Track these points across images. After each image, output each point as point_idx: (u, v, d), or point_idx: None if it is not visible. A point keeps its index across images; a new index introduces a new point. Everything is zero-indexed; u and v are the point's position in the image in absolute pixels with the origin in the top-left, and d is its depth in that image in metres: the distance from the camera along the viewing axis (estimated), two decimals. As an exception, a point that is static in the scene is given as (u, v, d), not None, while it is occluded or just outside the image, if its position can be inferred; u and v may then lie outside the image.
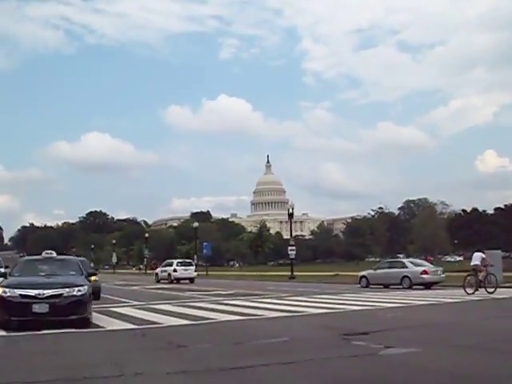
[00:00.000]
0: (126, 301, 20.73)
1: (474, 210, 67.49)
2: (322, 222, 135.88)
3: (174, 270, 41.57)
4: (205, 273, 63.30)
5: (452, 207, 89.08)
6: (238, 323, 12.81)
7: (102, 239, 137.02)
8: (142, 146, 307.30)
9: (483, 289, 20.75)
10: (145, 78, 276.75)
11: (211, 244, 69.71)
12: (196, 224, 69.32)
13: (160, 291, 29.26)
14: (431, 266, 29.66)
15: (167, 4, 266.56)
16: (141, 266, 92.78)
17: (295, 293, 24.33)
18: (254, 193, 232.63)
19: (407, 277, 26.66)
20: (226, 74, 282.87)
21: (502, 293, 20.64)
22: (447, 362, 7.43)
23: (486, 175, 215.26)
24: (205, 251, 66.29)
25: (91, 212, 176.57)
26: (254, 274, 59.19)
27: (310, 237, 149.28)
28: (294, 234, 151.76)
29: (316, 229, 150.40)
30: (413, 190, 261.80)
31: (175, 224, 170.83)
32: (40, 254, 14.78)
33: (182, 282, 40.14)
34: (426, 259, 52.31)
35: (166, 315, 14.53)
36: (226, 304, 18.06)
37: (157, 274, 44.72)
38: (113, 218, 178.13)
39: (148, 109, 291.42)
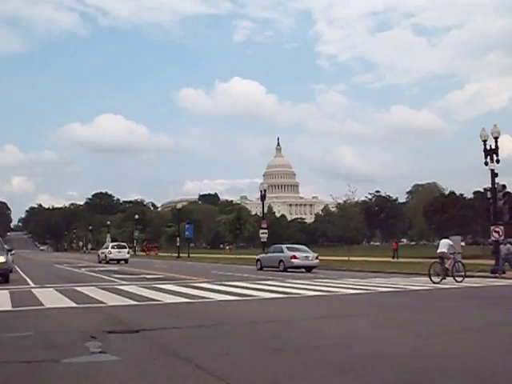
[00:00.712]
0: (29, 282, 19.72)
1: (452, 193, 64.56)
2: (327, 205, 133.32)
3: (109, 252, 45.25)
4: (186, 255, 62.71)
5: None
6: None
7: (105, 220, 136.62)
8: (156, 128, 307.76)
9: (451, 277, 19.81)
10: (158, 60, 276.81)
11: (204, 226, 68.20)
12: (179, 206, 68.07)
13: (89, 273, 28.45)
14: (304, 251, 30.72)
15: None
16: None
17: (214, 278, 22.53)
18: (264, 176, 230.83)
19: (282, 261, 29.52)
20: (239, 57, 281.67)
21: (471, 282, 19.91)
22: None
23: (502, 160, 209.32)
24: (187, 233, 65.63)
25: (97, 193, 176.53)
26: (232, 257, 58.23)
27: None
28: (301, 216, 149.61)
29: (321, 212, 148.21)
30: (426, 174, 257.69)
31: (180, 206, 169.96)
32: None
33: (120, 263, 43.28)
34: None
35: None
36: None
37: (98, 255, 48.70)
38: (118, 200, 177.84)
39: (161, 91, 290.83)
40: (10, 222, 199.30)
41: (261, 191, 48.25)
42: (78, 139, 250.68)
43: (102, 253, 47.06)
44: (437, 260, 20.52)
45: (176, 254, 62.52)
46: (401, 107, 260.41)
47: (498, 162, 27.15)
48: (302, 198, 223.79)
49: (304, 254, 29.94)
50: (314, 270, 29.30)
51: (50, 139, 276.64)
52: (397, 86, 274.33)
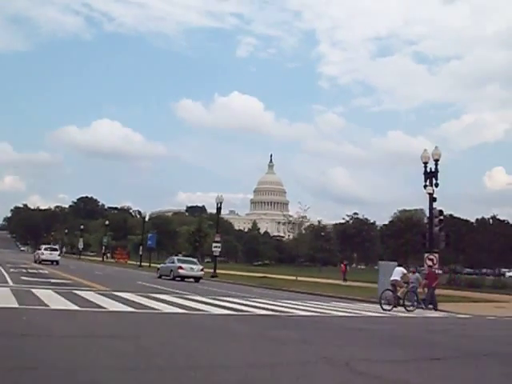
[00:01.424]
0: None
1: (408, 218, 62.90)
2: (311, 224, 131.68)
3: (42, 254, 49.69)
4: (148, 264, 61.07)
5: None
6: None
7: (87, 225, 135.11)
8: (152, 136, 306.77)
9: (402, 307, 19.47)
10: (160, 69, 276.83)
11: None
12: (145, 214, 66.41)
13: (6, 272, 27.25)
14: (191, 264, 34.91)
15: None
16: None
17: (111, 287, 20.93)
18: (254, 191, 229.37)
19: (172, 270, 33.92)
20: (241, 72, 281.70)
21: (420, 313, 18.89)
22: None
23: (494, 191, 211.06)
24: (149, 242, 63.96)
25: (82, 198, 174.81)
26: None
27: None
28: (291, 235, 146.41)
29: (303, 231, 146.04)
30: (418, 200, 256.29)
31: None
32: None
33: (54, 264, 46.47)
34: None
35: None
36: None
37: (34, 255, 53.24)
38: (103, 205, 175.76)
39: (160, 100, 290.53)
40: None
41: (217, 203, 46.68)
42: (74, 142, 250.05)
43: (37, 254, 51.89)
44: (389, 287, 19.95)
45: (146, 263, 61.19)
46: (397, 133, 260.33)
47: (436, 185, 25.55)
48: (290, 215, 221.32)
49: (190, 266, 34.28)
50: (237, 292, 28.18)
51: (45, 140, 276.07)
52: (395, 111, 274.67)
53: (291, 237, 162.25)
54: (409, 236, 53.92)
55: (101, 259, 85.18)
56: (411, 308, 19.49)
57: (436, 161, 25.65)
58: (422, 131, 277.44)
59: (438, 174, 25.61)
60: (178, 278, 32.75)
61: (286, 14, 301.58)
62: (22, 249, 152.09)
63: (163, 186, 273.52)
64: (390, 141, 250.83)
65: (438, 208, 26.06)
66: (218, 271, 49.76)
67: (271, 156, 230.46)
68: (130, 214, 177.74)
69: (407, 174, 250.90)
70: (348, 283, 41.63)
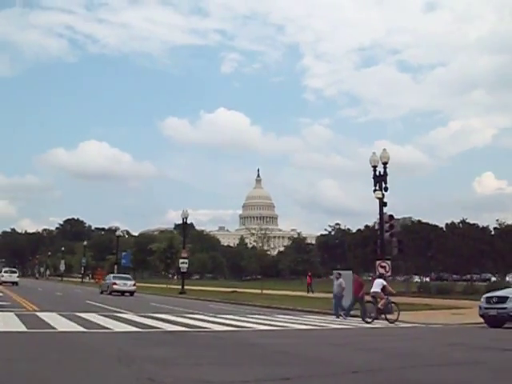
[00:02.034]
0: None
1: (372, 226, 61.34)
2: (295, 238, 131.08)
3: (2, 276, 53.25)
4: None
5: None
6: None
7: (74, 247, 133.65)
8: (140, 156, 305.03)
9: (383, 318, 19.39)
10: (145, 88, 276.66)
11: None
12: (118, 233, 65.39)
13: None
14: (125, 280, 39.39)
15: (171, 16, 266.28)
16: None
17: (46, 307, 20.15)
18: (243, 207, 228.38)
19: (108, 286, 38.59)
20: (226, 88, 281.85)
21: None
22: None
23: (484, 197, 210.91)
24: (124, 261, 62.90)
25: (68, 219, 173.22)
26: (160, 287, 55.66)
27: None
28: (280, 249, 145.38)
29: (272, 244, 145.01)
30: (409, 209, 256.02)
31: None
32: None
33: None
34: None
35: None
36: None
37: None
38: (90, 227, 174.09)
39: (147, 119, 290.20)
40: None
41: (182, 218, 45.76)
42: (62, 165, 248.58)
43: (2, 276, 54.44)
44: (369, 299, 19.84)
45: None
46: (384, 142, 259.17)
47: (386, 189, 24.64)
48: (280, 230, 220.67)
49: (123, 282, 38.74)
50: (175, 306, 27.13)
51: (33, 164, 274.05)
52: (381, 121, 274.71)
53: (275, 251, 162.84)
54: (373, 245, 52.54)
55: (92, 281, 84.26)
56: (393, 318, 19.26)
57: (385, 164, 24.79)
58: (410, 140, 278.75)
59: (387, 178, 24.68)
60: (114, 293, 37.13)
61: (269, 28, 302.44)
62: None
63: (153, 205, 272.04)
64: (377, 150, 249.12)
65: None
66: (191, 287, 48.99)
67: (258, 171, 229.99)
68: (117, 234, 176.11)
69: (398, 183, 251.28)
70: (315, 294, 40.60)
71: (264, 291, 42.28)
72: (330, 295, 35.15)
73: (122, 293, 37.37)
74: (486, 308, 17.14)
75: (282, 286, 63.18)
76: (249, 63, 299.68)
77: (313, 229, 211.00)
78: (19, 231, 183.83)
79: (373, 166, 25.04)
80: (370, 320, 18.78)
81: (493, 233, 55.87)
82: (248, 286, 58.84)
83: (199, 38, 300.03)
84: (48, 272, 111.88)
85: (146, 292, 47.15)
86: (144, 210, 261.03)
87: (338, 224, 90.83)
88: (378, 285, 20.03)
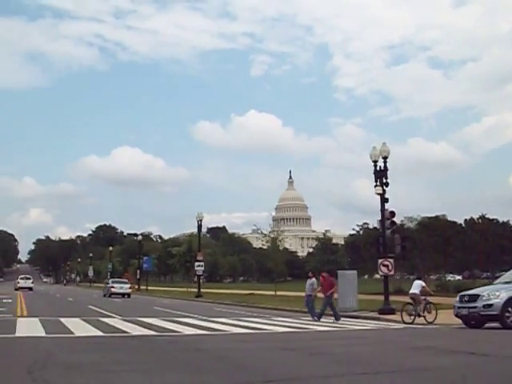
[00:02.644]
0: None
1: (392, 222, 59.03)
2: (321, 238, 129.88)
3: (18, 282, 57.44)
4: (145, 287, 60.45)
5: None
6: None
7: (104, 253, 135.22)
8: (173, 161, 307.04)
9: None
10: (176, 93, 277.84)
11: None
12: (139, 238, 65.51)
13: None
14: (121, 283, 46.28)
15: (199, 21, 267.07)
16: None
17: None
18: (276, 208, 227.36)
19: (108, 290, 44.64)
20: (256, 91, 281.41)
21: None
22: None
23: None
24: (145, 265, 63.07)
25: (100, 226, 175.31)
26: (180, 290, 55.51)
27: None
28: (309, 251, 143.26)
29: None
30: (444, 207, 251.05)
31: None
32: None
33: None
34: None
35: None
36: None
37: (14, 284, 59.80)
38: (122, 232, 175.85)
39: (178, 124, 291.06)
40: (17, 253, 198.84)
41: (197, 221, 45.35)
42: (95, 172, 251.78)
43: (15, 282, 58.76)
44: (409, 301, 19.60)
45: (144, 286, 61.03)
46: (418, 139, 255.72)
47: (386, 185, 23.71)
48: (313, 231, 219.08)
49: (120, 285, 45.00)
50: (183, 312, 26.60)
51: (66, 172, 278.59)
52: (414, 118, 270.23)
53: (306, 252, 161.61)
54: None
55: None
56: (431, 319, 18.96)
57: (385, 158, 23.85)
58: (444, 137, 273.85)
59: (388, 173, 23.75)
60: (113, 295, 42.36)
61: (298, 29, 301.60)
62: (45, 280, 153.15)
63: (187, 210, 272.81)
64: (412, 148, 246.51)
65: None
66: (210, 290, 48.72)
67: (290, 172, 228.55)
68: (151, 239, 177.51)
69: (432, 181, 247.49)
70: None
71: (280, 293, 41.51)
72: (375, 297, 34.48)
73: (122, 295, 43.11)
74: (459, 307, 16.25)
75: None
76: (278, 65, 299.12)
77: (348, 230, 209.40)
78: (53, 239, 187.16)
79: (373, 161, 24.11)
80: (410, 321, 18.56)
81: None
82: (270, 289, 58.09)
83: (228, 42, 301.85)
84: (78, 278, 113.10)
85: (164, 296, 47.13)
86: (178, 214, 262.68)
87: (366, 223, 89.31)
88: (417, 286, 19.79)
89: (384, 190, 23.76)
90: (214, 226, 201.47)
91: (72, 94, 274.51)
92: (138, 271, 61.48)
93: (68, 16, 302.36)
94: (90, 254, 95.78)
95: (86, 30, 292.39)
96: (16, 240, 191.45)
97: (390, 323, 19.15)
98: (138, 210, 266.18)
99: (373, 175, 24.15)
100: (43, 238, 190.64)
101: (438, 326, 17.66)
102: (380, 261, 23.40)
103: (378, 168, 23.95)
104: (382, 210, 23.66)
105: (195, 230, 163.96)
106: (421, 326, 17.43)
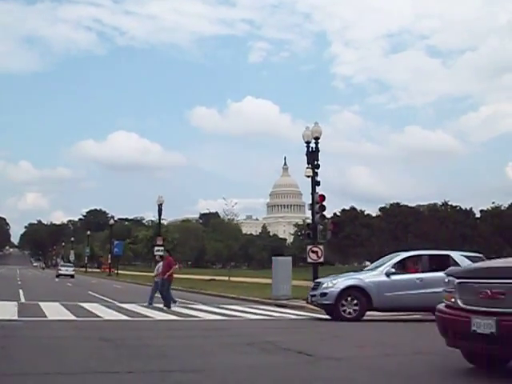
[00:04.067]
0: None
1: (352, 208, 57.83)
2: (300, 224, 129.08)
3: None
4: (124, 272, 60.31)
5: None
6: None
7: (94, 237, 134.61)
8: (170, 146, 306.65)
9: None
10: (173, 79, 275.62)
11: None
12: (111, 222, 64.49)
13: None
14: (68, 267, 57.92)
15: (198, 7, 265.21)
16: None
17: None
18: (270, 195, 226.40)
19: (58, 271, 56.48)
20: (254, 77, 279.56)
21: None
22: None
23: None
24: (116, 250, 61.97)
25: (91, 210, 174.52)
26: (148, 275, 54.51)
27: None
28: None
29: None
30: (441, 195, 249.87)
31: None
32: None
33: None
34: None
35: None
36: None
37: None
38: (113, 217, 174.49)
39: (175, 109, 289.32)
40: (9, 237, 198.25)
41: (158, 205, 44.12)
42: (92, 156, 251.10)
43: (59, 269, 60.39)
44: None
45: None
46: (415, 128, 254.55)
47: (317, 167, 22.40)
48: (307, 218, 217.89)
49: (66, 268, 56.28)
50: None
51: (63, 156, 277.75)
52: (411, 107, 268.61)
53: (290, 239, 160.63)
54: (349, 229, 49.94)
55: (97, 270, 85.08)
56: None
57: (316, 139, 22.50)
58: (441, 125, 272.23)
59: (319, 154, 22.44)
60: (61, 276, 51.83)
61: (297, 16, 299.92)
62: (35, 264, 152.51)
63: (183, 195, 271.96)
64: (409, 136, 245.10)
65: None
66: (177, 276, 47.66)
67: (285, 159, 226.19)
68: (144, 224, 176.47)
69: (429, 170, 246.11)
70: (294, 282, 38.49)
71: (234, 279, 40.51)
72: (298, 282, 33.38)
73: (69, 276, 52.08)
74: (310, 295, 15.32)
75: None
76: (277, 52, 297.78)
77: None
78: (45, 223, 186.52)
79: (306, 142, 22.78)
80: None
81: (478, 215, 52.27)
82: (251, 275, 57.10)
83: (227, 28, 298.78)
84: (61, 262, 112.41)
85: (127, 280, 46.71)
86: (174, 200, 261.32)
87: (353, 208, 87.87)
88: None
89: (316, 172, 22.43)
90: (207, 211, 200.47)
91: (69, 78, 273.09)
92: (110, 256, 60.46)
93: (66, 0, 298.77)
94: (72, 239, 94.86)
95: (84, 15, 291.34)
96: (8, 224, 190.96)
97: (311, 313, 17.64)
98: (135, 194, 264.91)
99: (305, 156, 22.79)
100: (35, 222, 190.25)
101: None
102: (309, 247, 22.22)
103: (310, 149, 22.61)
104: (313, 193, 22.36)
105: (191, 216, 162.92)
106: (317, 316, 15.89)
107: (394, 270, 14.67)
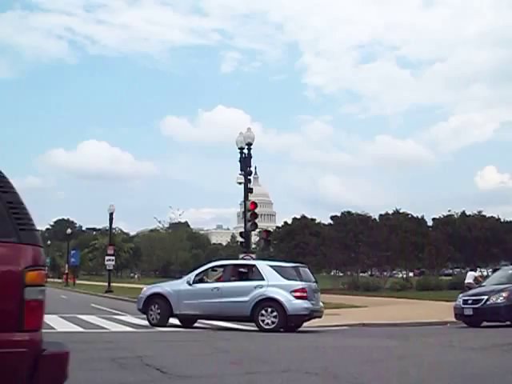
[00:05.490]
0: None
1: (303, 217, 57.76)
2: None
3: None
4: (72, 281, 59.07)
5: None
6: None
7: (60, 247, 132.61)
8: (141, 155, 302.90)
9: None
10: (145, 88, 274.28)
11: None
12: (69, 231, 63.42)
13: None
14: None
15: (170, 16, 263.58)
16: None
17: None
18: (241, 204, 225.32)
19: None
20: (226, 87, 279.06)
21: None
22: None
23: (486, 191, 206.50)
24: (73, 260, 60.82)
25: (59, 220, 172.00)
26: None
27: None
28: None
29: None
30: (411, 204, 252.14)
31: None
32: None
33: None
34: None
35: None
36: None
37: None
38: (81, 227, 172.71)
39: (146, 119, 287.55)
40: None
41: (109, 213, 43.30)
42: (62, 165, 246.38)
43: None
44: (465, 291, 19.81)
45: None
46: (386, 137, 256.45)
47: (249, 173, 21.88)
48: (278, 227, 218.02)
49: None
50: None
51: (33, 165, 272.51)
52: (382, 117, 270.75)
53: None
54: (299, 238, 49.72)
55: (59, 280, 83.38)
56: None
57: (248, 145, 22.02)
58: (411, 135, 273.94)
59: (252, 161, 21.95)
60: None
61: (268, 27, 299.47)
62: None
63: (155, 205, 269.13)
64: (379, 146, 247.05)
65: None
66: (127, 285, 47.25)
67: (255, 168, 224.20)
68: (113, 233, 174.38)
69: (400, 179, 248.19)
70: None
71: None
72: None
73: None
74: None
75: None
76: (249, 62, 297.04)
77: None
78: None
79: (239, 148, 22.28)
80: None
81: (430, 224, 52.44)
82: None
83: (199, 38, 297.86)
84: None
85: (79, 290, 46.08)
86: (145, 209, 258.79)
87: (304, 216, 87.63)
88: (471, 276, 23.72)
89: (249, 180, 21.93)
90: (176, 221, 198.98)
91: (40, 86, 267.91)
92: (66, 265, 59.34)
93: (38, 8, 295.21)
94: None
95: (55, 23, 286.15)
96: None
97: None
98: (105, 204, 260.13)
99: (238, 163, 22.27)
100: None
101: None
102: (241, 256, 21.63)
103: (243, 155, 22.11)
104: (245, 201, 21.85)
105: (159, 225, 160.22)
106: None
107: (197, 279, 15.03)
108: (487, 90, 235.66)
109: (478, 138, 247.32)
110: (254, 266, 15.16)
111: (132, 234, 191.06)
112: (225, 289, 14.41)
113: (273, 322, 13.71)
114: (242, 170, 22.06)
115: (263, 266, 14.89)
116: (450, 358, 9.62)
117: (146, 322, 15.51)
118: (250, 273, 14.81)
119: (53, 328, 14.06)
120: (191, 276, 15.26)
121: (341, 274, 48.65)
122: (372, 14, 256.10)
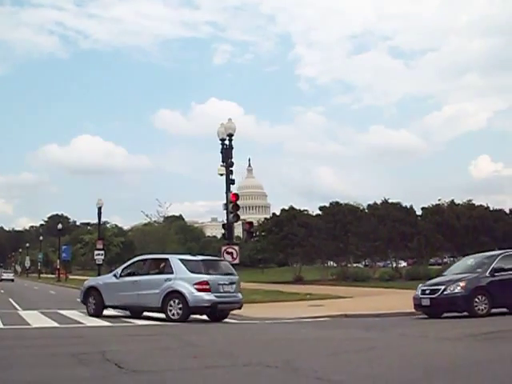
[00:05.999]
0: None
1: (291, 208, 57.47)
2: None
3: None
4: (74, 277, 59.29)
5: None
6: None
7: (54, 242, 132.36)
8: (135, 149, 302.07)
9: None
10: (137, 82, 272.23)
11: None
12: (60, 226, 63.21)
13: None
14: (9, 273, 65.04)
15: (162, 10, 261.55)
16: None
17: None
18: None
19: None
20: (219, 79, 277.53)
21: None
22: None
23: (480, 180, 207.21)
24: (64, 255, 60.73)
25: (53, 216, 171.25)
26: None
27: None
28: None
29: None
30: (405, 194, 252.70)
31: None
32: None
33: None
34: None
35: None
36: None
37: None
38: (75, 222, 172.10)
39: (139, 112, 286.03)
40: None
41: (98, 208, 43.03)
42: (56, 161, 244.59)
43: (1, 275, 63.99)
44: None
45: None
46: (379, 127, 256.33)
47: (231, 165, 21.66)
48: (267, 218, 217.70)
49: (7, 274, 62.46)
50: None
51: (27, 161, 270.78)
52: (375, 107, 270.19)
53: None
54: (288, 229, 49.49)
55: (52, 276, 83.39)
56: None
57: (230, 136, 21.79)
58: (405, 125, 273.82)
59: (233, 152, 21.72)
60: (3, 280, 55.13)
61: (260, 18, 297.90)
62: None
63: (149, 199, 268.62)
64: (373, 136, 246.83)
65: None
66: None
67: (249, 160, 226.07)
68: (107, 228, 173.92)
69: (393, 169, 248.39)
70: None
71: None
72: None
73: (10, 280, 58.29)
74: None
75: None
76: (241, 54, 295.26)
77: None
78: (7, 229, 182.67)
79: (221, 140, 22.05)
80: None
81: (419, 213, 52.24)
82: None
83: (190, 31, 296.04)
84: (19, 269, 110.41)
85: (68, 285, 45.80)
86: (140, 203, 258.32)
87: (292, 207, 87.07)
88: None
89: (231, 171, 21.72)
90: (171, 214, 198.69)
91: (32, 82, 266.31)
92: (58, 261, 59.21)
93: (28, 3, 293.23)
94: (27, 245, 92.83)
95: (47, 18, 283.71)
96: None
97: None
98: (101, 198, 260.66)
99: (220, 154, 22.05)
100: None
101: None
102: (223, 248, 21.48)
103: (224, 146, 21.87)
104: (227, 192, 21.64)
105: (147, 219, 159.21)
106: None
107: (123, 273, 16.11)
108: (480, 79, 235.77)
109: (472, 127, 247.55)
110: (167, 259, 15.92)
111: (126, 228, 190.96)
112: (142, 282, 15.48)
113: (178, 314, 14.57)
114: (223, 162, 21.85)
115: (174, 259, 15.62)
116: (421, 349, 9.44)
117: (124, 317, 15.50)
118: (164, 267, 15.68)
119: (28, 324, 13.92)
120: (118, 270, 16.43)
121: (335, 265, 48.58)
122: (364, 4, 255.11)
